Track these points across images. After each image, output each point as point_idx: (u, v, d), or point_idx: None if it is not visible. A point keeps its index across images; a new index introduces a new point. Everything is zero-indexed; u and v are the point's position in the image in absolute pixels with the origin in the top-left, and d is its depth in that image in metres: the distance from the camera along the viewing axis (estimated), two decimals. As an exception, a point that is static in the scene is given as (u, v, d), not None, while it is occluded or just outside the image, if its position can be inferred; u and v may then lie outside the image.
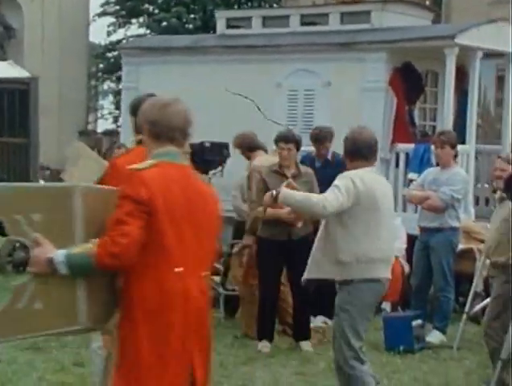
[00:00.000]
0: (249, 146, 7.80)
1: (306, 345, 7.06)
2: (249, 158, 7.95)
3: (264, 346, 6.96)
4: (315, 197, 4.96)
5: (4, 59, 14.85)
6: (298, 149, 7.10)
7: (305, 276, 5.07)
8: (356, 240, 4.79)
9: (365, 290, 4.81)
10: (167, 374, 3.13)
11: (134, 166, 3.26)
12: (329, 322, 7.67)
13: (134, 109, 3.96)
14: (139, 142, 3.75)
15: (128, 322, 3.16)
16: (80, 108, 18.76)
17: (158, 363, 3.10)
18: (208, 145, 9.36)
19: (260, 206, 6.82)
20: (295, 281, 7.05)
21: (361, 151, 4.90)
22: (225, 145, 9.44)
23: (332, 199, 4.73)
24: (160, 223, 3.14)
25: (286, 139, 7.01)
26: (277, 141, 7.08)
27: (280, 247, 6.88)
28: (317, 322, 7.73)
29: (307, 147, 8.30)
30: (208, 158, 9.33)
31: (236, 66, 10.72)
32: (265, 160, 7.51)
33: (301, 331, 7.12)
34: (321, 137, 8.02)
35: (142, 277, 3.15)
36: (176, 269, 3.15)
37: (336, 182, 4.86)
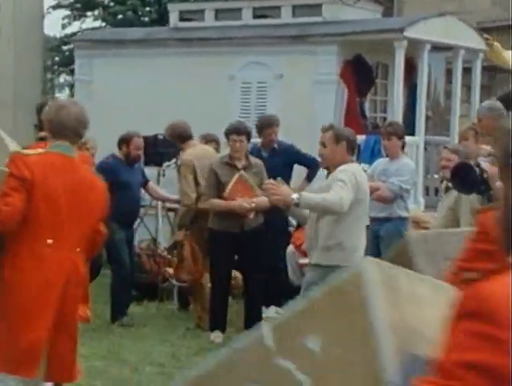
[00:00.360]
0: (180, 136, 7.65)
1: None
2: (181, 149, 7.82)
3: (216, 336, 6.94)
4: (331, 196, 4.98)
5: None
6: (249, 140, 7.09)
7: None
8: (345, 229, 4.96)
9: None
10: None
11: (24, 151, 3.96)
12: (281, 311, 7.71)
13: (39, 110, 4.68)
14: (42, 139, 4.38)
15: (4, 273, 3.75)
16: (35, 102, 18.48)
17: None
18: (161, 137, 9.29)
19: (211, 198, 6.78)
20: (247, 271, 7.06)
21: (353, 149, 5.22)
22: (178, 138, 9.36)
23: (346, 195, 4.90)
24: (37, 199, 3.69)
25: (238, 131, 6.97)
26: (228, 133, 7.04)
27: (233, 238, 6.85)
28: (269, 312, 7.73)
29: (254, 139, 8.29)
30: (161, 150, 9.26)
31: (189, 59, 10.65)
32: (199, 150, 7.39)
33: (253, 321, 7.10)
34: (265, 124, 7.99)
35: (19, 242, 3.70)
36: (48, 241, 3.70)
37: (343, 176, 5.00)
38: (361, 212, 5.06)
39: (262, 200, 6.92)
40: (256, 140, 8.28)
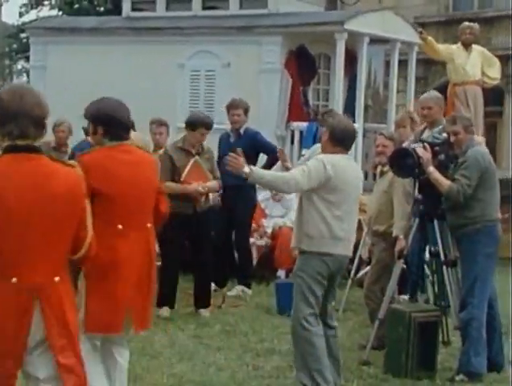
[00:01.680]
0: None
1: (204, 311, 7.08)
2: None
3: (164, 310, 6.95)
4: (283, 176, 4.96)
5: None
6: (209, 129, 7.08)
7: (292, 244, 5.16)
8: (323, 218, 4.88)
9: (317, 262, 4.90)
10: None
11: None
12: (248, 291, 7.86)
13: None
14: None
15: None
16: (-7, 87, 18.17)
17: None
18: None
19: (166, 182, 6.72)
20: (198, 250, 7.07)
21: (343, 140, 4.95)
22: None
23: (301, 177, 4.81)
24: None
25: (209, 127, 7.00)
26: (197, 125, 6.95)
27: (186, 219, 6.86)
28: (234, 291, 7.83)
29: (220, 125, 8.29)
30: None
31: (140, 47, 10.58)
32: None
33: (201, 300, 7.13)
34: (229, 106, 8.01)
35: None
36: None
37: (309, 162, 4.93)
38: (339, 204, 4.90)
39: (213, 185, 7.06)
40: (222, 126, 8.27)
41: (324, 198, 4.88)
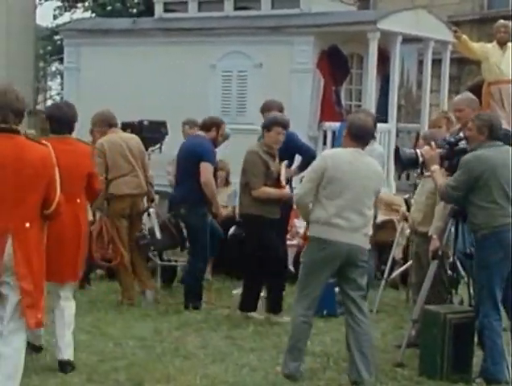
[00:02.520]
0: (103, 124, 7.37)
1: (276, 318, 6.89)
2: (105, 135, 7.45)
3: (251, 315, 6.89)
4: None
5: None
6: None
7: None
8: (321, 205, 5.09)
9: (315, 248, 5.10)
10: None
11: None
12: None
13: None
14: None
15: None
16: (28, 89, 18.30)
17: None
18: (146, 123, 9.31)
19: (261, 186, 6.68)
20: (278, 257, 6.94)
21: (360, 136, 5.18)
22: (162, 124, 9.39)
23: (299, 190, 5.23)
24: None
25: (284, 125, 6.87)
26: (271, 125, 6.87)
27: (272, 224, 6.76)
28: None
29: (251, 126, 8.19)
30: (146, 135, 9.25)
31: (172, 48, 10.63)
32: (115, 136, 7.13)
33: (274, 305, 6.92)
34: (266, 108, 7.71)
35: None
36: None
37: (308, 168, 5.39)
38: (338, 193, 5.08)
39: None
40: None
41: (323, 186, 5.11)
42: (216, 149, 7.46)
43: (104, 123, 7.24)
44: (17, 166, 4.19)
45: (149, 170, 7.35)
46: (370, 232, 5.24)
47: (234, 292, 7.31)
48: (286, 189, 6.82)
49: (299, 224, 9.03)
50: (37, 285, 4.28)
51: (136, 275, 7.31)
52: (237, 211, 7.98)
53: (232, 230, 8.51)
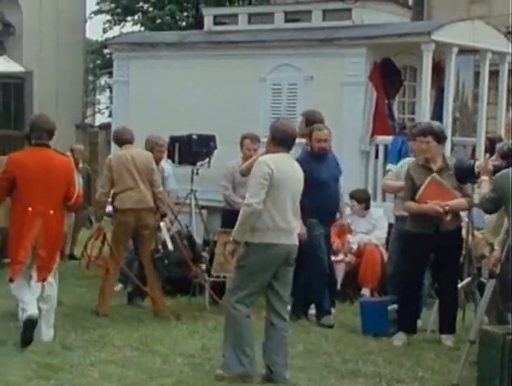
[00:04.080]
0: (116, 140, 7.81)
1: (446, 339, 6.85)
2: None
3: (400, 339, 6.86)
4: (243, 207, 5.50)
5: (1, 55, 14.74)
6: (439, 141, 6.82)
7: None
8: (268, 210, 5.42)
9: (257, 252, 5.42)
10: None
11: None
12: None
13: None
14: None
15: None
16: (77, 103, 18.62)
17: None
18: (195, 137, 9.36)
19: (407, 201, 6.80)
20: (442, 276, 6.88)
21: (285, 140, 5.55)
22: (211, 138, 9.42)
23: (251, 198, 5.40)
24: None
25: (424, 132, 6.82)
26: (415, 134, 6.91)
27: (428, 240, 6.70)
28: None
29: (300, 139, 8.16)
30: (195, 149, 9.32)
31: (221, 61, 10.67)
32: (125, 151, 7.49)
33: (446, 325, 6.87)
34: (310, 120, 7.87)
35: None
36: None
37: (251, 174, 5.53)
38: (281, 198, 5.45)
39: (457, 203, 6.69)
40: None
41: (268, 193, 5.40)
42: None
43: (116, 140, 7.67)
44: (46, 170, 6.14)
45: (159, 187, 7.59)
46: (299, 229, 5.75)
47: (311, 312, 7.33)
48: (430, 204, 6.63)
49: (352, 240, 8.98)
50: (50, 255, 6.17)
51: (150, 290, 7.42)
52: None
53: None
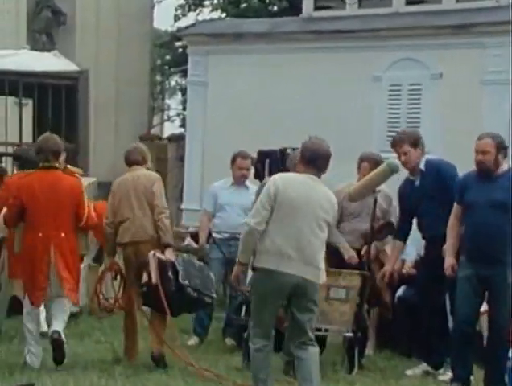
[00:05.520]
0: (124, 161, 8.17)
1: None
2: None
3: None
4: (244, 228, 6.05)
5: (51, 50, 15.19)
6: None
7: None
8: (270, 233, 5.87)
9: (263, 278, 5.90)
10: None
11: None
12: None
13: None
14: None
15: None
16: (141, 109, 18.96)
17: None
18: (290, 151, 9.36)
19: None
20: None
21: (314, 161, 5.96)
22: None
23: (252, 218, 5.92)
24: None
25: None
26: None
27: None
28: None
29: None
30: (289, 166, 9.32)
31: (324, 55, 10.79)
32: (128, 175, 7.87)
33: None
34: (394, 141, 7.87)
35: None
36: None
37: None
38: (283, 215, 5.85)
39: None
40: None
41: (272, 214, 5.88)
42: None
43: (124, 160, 8.09)
44: (53, 193, 7.21)
45: (160, 213, 7.88)
46: (322, 265, 5.99)
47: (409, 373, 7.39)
48: None
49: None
50: (73, 276, 7.26)
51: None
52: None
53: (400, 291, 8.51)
